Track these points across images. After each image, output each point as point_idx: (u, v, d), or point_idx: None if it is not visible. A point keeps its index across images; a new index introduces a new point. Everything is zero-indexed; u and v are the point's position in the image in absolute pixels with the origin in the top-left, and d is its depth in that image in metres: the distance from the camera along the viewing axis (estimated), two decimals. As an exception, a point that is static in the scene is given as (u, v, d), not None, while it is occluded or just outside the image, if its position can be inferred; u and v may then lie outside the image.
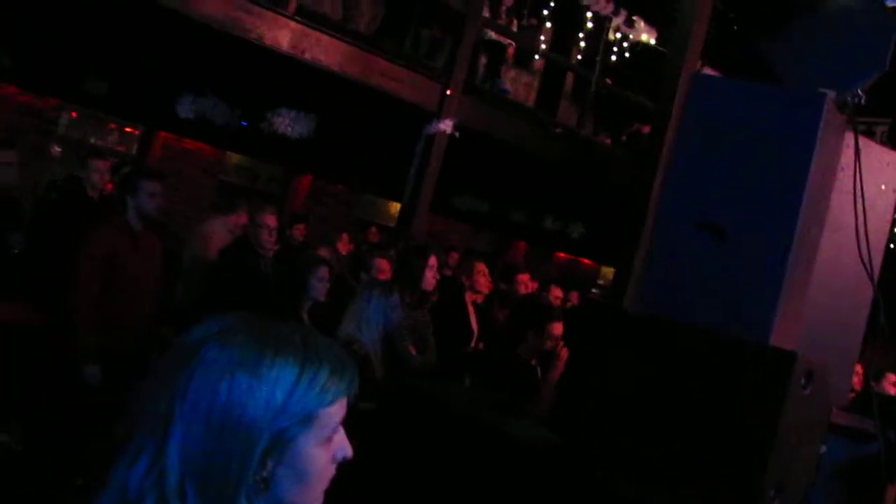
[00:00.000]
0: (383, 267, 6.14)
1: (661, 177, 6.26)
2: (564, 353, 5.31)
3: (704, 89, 3.08)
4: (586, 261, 15.65)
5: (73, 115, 11.04)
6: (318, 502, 1.28)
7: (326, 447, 1.26)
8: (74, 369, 4.90)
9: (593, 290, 14.22)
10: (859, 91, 2.77)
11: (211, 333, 1.23)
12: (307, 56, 7.41)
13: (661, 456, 2.82)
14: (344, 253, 8.27)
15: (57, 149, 10.74)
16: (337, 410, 1.26)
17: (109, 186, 7.48)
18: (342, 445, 1.29)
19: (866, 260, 2.89)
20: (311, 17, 7.60)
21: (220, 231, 6.97)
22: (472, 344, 6.80)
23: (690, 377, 2.69)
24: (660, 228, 3.17)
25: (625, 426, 2.96)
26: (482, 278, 7.32)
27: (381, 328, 4.87)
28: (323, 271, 5.17)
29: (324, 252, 6.72)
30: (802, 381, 2.47)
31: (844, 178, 2.93)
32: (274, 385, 1.19)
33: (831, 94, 2.68)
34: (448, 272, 7.66)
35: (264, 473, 1.20)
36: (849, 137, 2.92)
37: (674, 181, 3.07)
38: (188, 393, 1.19)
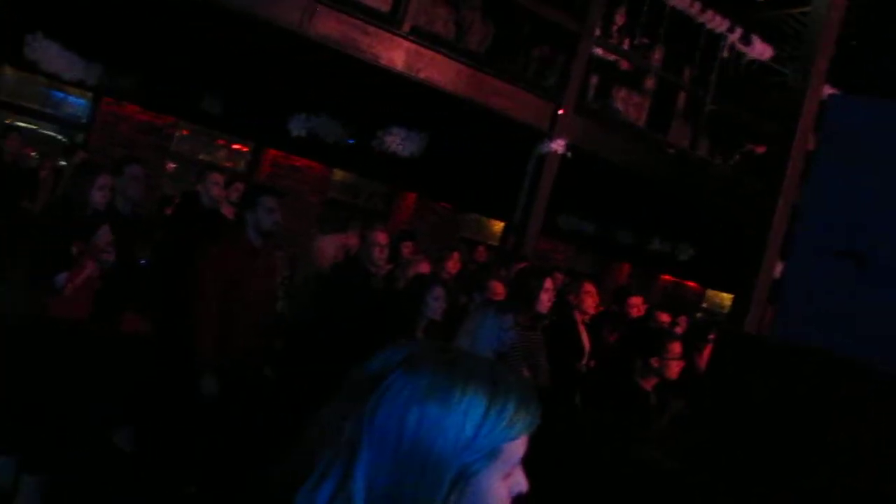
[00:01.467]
0: (498, 290, 6.10)
1: (786, 202, 6.06)
2: (675, 371, 5.18)
3: (843, 111, 2.93)
4: (691, 283, 15.30)
5: (185, 132, 11.37)
6: None
7: (506, 482, 1.21)
8: (192, 380, 4.97)
9: (698, 315, 13.85)
10: None
11: (396, 361, 1.20)
12: (421, 75, 7.43)
13: (793, 490, 2.68)
14: (452, 272, 8.23)
15: (171, 164, 11.07)
16: (520, 445, 1.21)
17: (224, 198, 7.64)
18: (519, 481, 1.24)
19: None
20: (424, 37, 7.62)
21: (330, 249, 7.03)
22: (584, 361, 6.70)
23: (837, 410, 2.54)
24: (795, 256, 3.01)
25: (757, 456, 2.82)
26: (590, 299, 7.19)
27: (494, 349, 4.80)
28: (438, 291, 5.13)
29: (425, 266, 6.69)
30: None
31: None
32: (464, 417, 1.16)
33: None
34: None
35: None
36: None
37: (812, 208, 2.92)
38: (376, 419, 1.16)
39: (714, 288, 15.17)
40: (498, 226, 12.96)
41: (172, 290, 5.81)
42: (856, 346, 2.64)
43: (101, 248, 4.72)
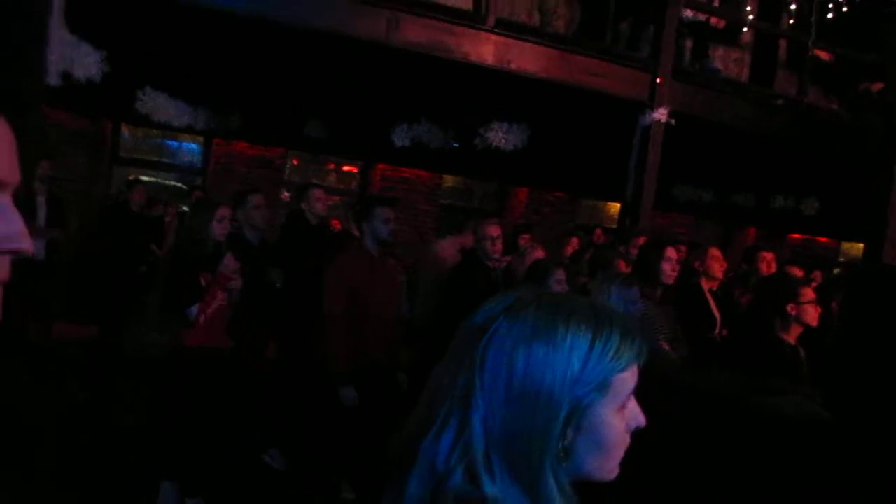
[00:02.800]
0: (622, 268, 6.04)
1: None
2: (814, 316, 4.99)
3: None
4: (823, 239, 14.69)
5: (295, 161, 11.72)
6: (615, 472, 1.27)
7: (621, 415, 1.25)
8: (332, 392, 5.11)
9: (835, 270, 13.24)
10: None
11: (500, 310, 1.24)
12: (513, 66, 7.42)
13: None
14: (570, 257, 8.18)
15: (286, 193, 11.43)
16: (629, 377, 1.24)
17: (335, 223, 7.83)
18: (635, 413, 1.27)
19: None
20: (510, 28, 7.62)
21: (449, 250, 7.12)
22: (717, 331, 6.55)
23: None
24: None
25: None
26: (716, 264, 7.02)
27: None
28: (560, 273, 5.14)
29: (542, 253, 6.67)
30: None
31: None
32: (570, 353, 1.19)
33: None
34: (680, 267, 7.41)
35: (564, 443, 1.19)
36: None
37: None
38: (486, 365, 1.20)
39: (848, 240, 14.51)
40: (614, 207, 12.79)
41: (299, 307, 6.01)
42: None
43: (228, 276, 4.92)
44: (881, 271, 3.86)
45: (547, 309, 1.22)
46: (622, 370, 1.22)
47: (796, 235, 14.67)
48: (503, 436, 1.18)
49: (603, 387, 1.20)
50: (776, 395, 4.02)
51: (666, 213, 13.07)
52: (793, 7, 8.96)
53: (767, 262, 7.31)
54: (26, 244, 1.01)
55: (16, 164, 0.99)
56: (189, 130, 9.36)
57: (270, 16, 6.75)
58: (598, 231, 10.38)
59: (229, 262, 4.94)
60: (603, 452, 1.23)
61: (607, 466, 1.25)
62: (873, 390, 2.92)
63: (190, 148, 11.90)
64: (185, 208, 9.16)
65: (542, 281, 5.01)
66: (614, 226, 11.47)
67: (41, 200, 7.76)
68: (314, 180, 11.80)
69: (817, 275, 8.99)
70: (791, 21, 9.15)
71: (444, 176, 12.55)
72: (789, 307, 5.02)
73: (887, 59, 5.94)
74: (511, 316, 1.22)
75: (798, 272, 7.74)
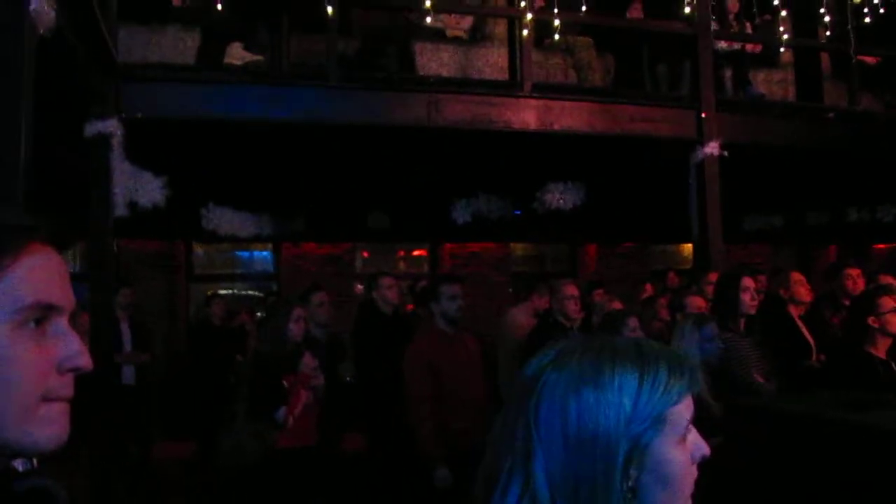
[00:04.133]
0: (698, 304, 5.98)
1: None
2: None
3: None
4: (914, 243, 14.24)
5: (365, 254, 11.92)
6: None
7: (682, 447, 1.25)
8: (426, 476, 5.11)
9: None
10: None
11: (547, 361, 1.28)
12: (556, 126, 7.51)
13: None
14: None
15: (359, 286, 11.61)
16: (685, 408, 1.25)
17: (410, 307, 7.92)
18: (698, 444, 1.27)
19: None
20: (548, 90, 7.74)
21: (522, 317, 7.15)
22: (814, 358, 6.38)
23: None
24: None
25: None
26: (801, 288, 6.88)
27: (700, 361, 4.67)
28: (633, 321, 5.11)
29: (618, 306, 6.65)
30: None
31: None
32: (619, 393, 1.21)
33: None
34: (760, 296, 7.27)
35: (629, 483, 1.20)
36: None
37: None
38: (539, 417, 1.23)
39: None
40: (687, 249, 12.66)
41: (382, 399, 6.06)
42: None
43: (309, 374, 5.02)
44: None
45: (591, 354, 1.25)
46: (675, 403, 1.23)
47: (881, 245, 14.27)
48: (567, 483, 1.19)
49: (658, 422, 1.21)
50: (872, 410, 3.91)
51: (741, 246, 12.88)
52: (827, 19, 8.87)
53: (853, 279, 7.10)
54: (84, 361, 1.09)
55: (69, 290, 1.10)
56: (256, 239, 9.66)
57: (318, 119, 7.00)
58: (671, 274, 10.27)
59: (309, 361, 5.05)
60: (670, 488, 1.23)
61: (677, 502, 1.25)
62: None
63: (261, 256, 12.26)
64: (262, 314, 9.40)
65: (616, 331, 4.98)
66: (689, 267, 11.34)
67: (125, 327, 8.04)
68: (385, 269, 11.98)
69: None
70: (828, 33, 9.06)
71: (513, 245, 12.62)
72: (870, 320, 4.90)
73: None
74: (558, 365, 1.25)
75: (890, 279, 7.48)
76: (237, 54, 7.70)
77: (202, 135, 7.31)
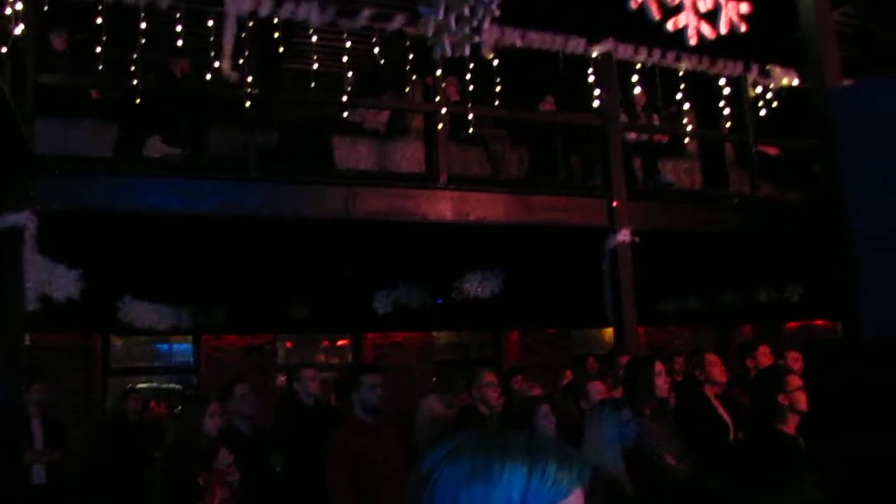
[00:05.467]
0: (599, 389, 6.07)
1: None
2: (805, 402, 5.00)
3: (847, 100, 2.98)
4: (819, 322, 14.75)
5: (288, 344, 11.84)
6: None
7: None
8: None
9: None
10: None
11: (442, 455, 1.29)
12: (472, 217, 7.68)
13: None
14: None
15: (281, 378, 11.48)
16: (574, 501, 1.27)
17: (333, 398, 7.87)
18: None
19: None
20: (464, 182, 7.94)
21: (438, 406, 7.15)
22: (732, 437, 6.50)
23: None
24: (858, 250, 2.98)
25: None
26: (716, 369, 7.04)
27: (619, 446, 4.75)
28: (545, 408, 5.17)
29: (538, 392, 6.72)
30: None
31: None
32: (508, 488, 1.23)
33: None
34: (678, 378, 7.43)
35: None
36: None
37: (854, 198, 2.92)
38: None
39: (835, 319, 14.58)
40: (609, 333, 12.88)
41: (304, 489, 5.98)
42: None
43: (224, 471, 4.94)
44: (831, 346, 3.94)
45: (483, 449, 1.28)
46: (564, 496, 1.25)
47: (791, 323, 14.74)
48: None
49: None
50: (784, 488, 4.01)
51: (660, 328, 13.17)
52: (727, 112, 9.37)
53: (766, 356, 7.34)
54: None
55: None
56: (175, 332, 9.54)
57: (237, 211, 7.04)
58: (591, 360, 10.41)
59: (224, 457, 4.98)
60: None
61: None
62: (857, 469, 2.94)
63: (181, 348, 12.06)
64: (181, 408, 9.23)
65: (529, 418, 5.04)
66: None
67: (37, 424, 7.76)
68: (307, 360, 11.89)
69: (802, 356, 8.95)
70: (728, 124, 9.55)
71: (436, 333, 12.67)
72: (780, 398, 5.05)
73: (826, 142, 6.18)
74: (452, 459, 1.27)
75: (796, 354, 7.74)
76: (156, 147, 7.75)
77: (120, 227, 7.27)
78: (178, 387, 11.66)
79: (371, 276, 9.14)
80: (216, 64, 7.49)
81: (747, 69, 9.36)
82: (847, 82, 6.55)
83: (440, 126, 7.86)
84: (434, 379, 10.58)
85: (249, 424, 6.21)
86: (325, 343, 12.79)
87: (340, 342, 12.75)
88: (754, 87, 9.53)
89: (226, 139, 7.87)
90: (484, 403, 6.27)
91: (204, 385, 10.65)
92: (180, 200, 6.93)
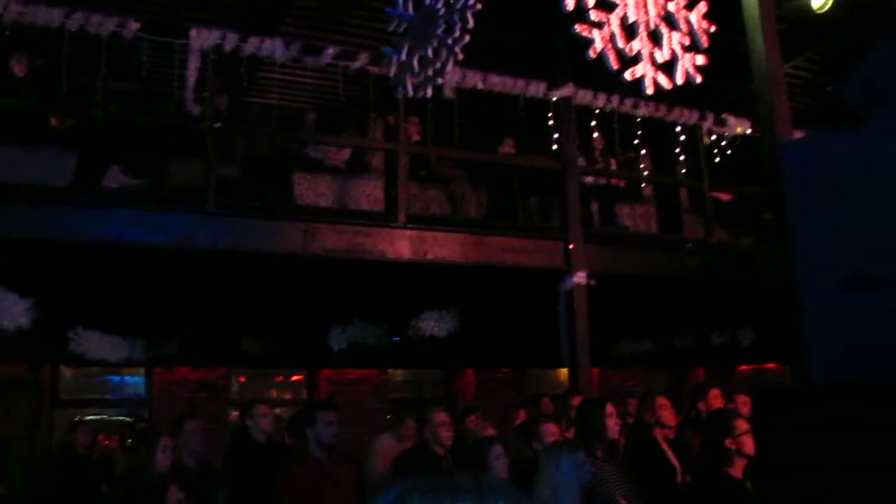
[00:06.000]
0: (552, 430, 6.10)
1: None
2: (751, 446, 5.07)
3: (796, 153, 3.08)
4: (770, 365, 14.95)
5: (242, 379, 11.73)
6: None
7: None
8: None
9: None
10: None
11: (391, 499, 1.30)
12: (430, 257, 7.74)
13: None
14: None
15: (234, 413, 11.35)
16: None
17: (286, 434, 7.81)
18: None
19: None
20: (422, 221, 8.00)
21: (390, 444, 7.14)
22: (679, 479, 6.56)
23: (887, 431, 2.54)
24: (807, 297, 3.06)
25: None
26: (666, 412, 7.12)
27: (576, 487, 4.78)
28: (498, 449, 5.19)
29: (492, 432, 6.73)
30: None
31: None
32: None
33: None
34: (631, 420, 7.50)
35: None
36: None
37: (805, 248, 3.01)
38: None
39: (785, 363, 14.81)
40: (563, 373, 12.93)
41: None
42: (885, 366, 2.66)
43: (174, 508, 4.89)
44: (778, 389, 4.03)
45: (432, 491, 1.29)
46: None
47: (743, 367, 14.92)
48: None
49: None
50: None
51: (615, 369, 13.26)
52: (682, 158, 9.58)
53: (717, 398, 7.43)
54: None
55: None
56: (127, 364, 9.41)
57: (196, 244, 7.02)
58: (545, 400, 10.43)
59: (175, 494, 4.92)
60: None
61: None
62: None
63: (133, 381, 11.87)
64: (131, 442, 9.07)
65: (482, 459, 5.06)
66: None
67: (-22, 457, 7.62)
68: (261, 394, 11.78)
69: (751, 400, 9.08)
70: (684, 171, 9.76)
71: (391, 371, 12.64)
72: (727, 442, 5.13)
73: (777, 190, 6.37)
74: (401, 502, 1.28)
75: (745, 398, 7.87)
76: (115, 177, 7.71)
77: (74, 257, 7.20)
78: (129, 420, 11.46)
79: (327, 312, 9.12)
80: (178, 96, 7.50)
81: (703, 117, 9.62)
82: (797, 133, 6.77)
83: (401, 165, 7.94)
84: (388, 417, 10.55)
85: (197, 460, 6.14)
86: (280, 378, 12.69)
87: (295, 378, 12.66)
88: (709, 134, 9.79)
89: (186, 171, 7.85)
90: (437, 442, 6.28)
91: (156, 418, 10.48)
92: (138, 232, 6.91)
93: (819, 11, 8.17)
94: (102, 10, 7.00)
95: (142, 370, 11.48)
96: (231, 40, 7.30)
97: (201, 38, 7.24)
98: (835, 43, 9.92)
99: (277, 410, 8.57)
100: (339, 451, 5.76)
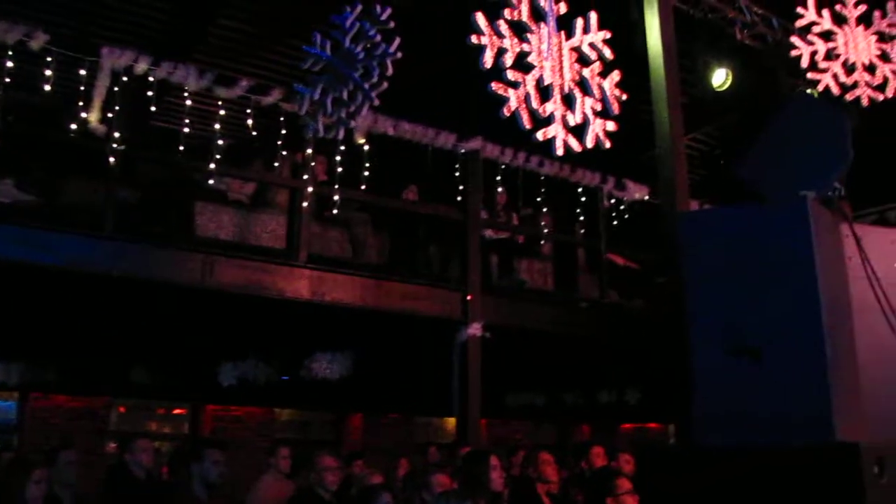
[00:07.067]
0: (442, 482, 6.10)
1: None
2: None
3: (693, 225, 3.20)
4: (653, 425, 15.33)
5: (122, 409, 11.33)
6: None
7: None
8: None
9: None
10: (836, 185, 2.92)
11: None
12: (328, 298, 7.70)
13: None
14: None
15: (112, 444, 10.94)
16: None
17: (165, 469, 7.57)
18: None
19: (902, 335, 2.92)
20: (322, 262, 7.96)
21: (272, 482, 7.02)
22: (558, 533, 6.64)
23: (766, 498, 2.64)
24: (696, 364, 3.17)
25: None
26: (549, 468, 7.21)
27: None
28: (386, 497, 5.15)
29: (378, 479, 6.68)
30: (876, 469, 2.43)
31: (855, 266, 3.01)
32: None
33: (811, 195, 2.79)
34: (516, 471, 7.56)
35: None
36: (845, 228, 3.02)
37: (696, 316, 3.12)
38: None
39: (671, 423, 15.22)
40: (451, 422, 12.97)
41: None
42: (771, 432, 2.76)
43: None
44: (663, 450, 4.14)
45: None
46: None
47: (628, 425, 15.25)
48: None
49: None
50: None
51: (503, 421, 13.37)
52: (582, 218, 9.84)
53: (600, 457, 7.57)
54: None
55: None
56: (1, 388, 8.99)
57: (88, 268, 6.80)
58: (433, 449, 10.44)
59: (44, 530, 4.71)
60: None
61: None
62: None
63: (4, 405, 11.31)
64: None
65: (369, 507, 5.02)
66: (450, 441, 11.60)
67: None
68: (142, 426, 11.40)
69: (637, 460, 9.29)
70: (583, 231, 10.02)
71: (278, 410, 12.43)
72: (609, 501, 5.24)
73: (669, 255, 6.64)
74: None
75: (628, 456, 8.05)
76: (7, 192, 7.42)
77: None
78: (-4, 446, 10.92)
79: (219, 346, 8.95)
80: (83, 114, 7.31)
81: (604, 180, 9.93)
82: (693, 203, 7.06)
83: (304, 203, 7.90)
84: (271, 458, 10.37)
85: (71, 494, 5.88)
86: (162, 411, 12.30)
87: (177, 411, 12.30)
88: (609, 197, 10.09)
89: (84, 192, 7.62)
90: (322, 487, 6.19)
91: (26, 447, 10.00)
92: (25, 250, 6.63)
93: (719, 89, 8.59)
94: (10, 17, 6.79)
95: (15, 395, 10.96)
96: (143, 62, 7.17)
97: (112, 57, 7.10)
98: (731, 119, 10.44)
99: (156, 444, 8.31)
100: (219, 492, 5.63)
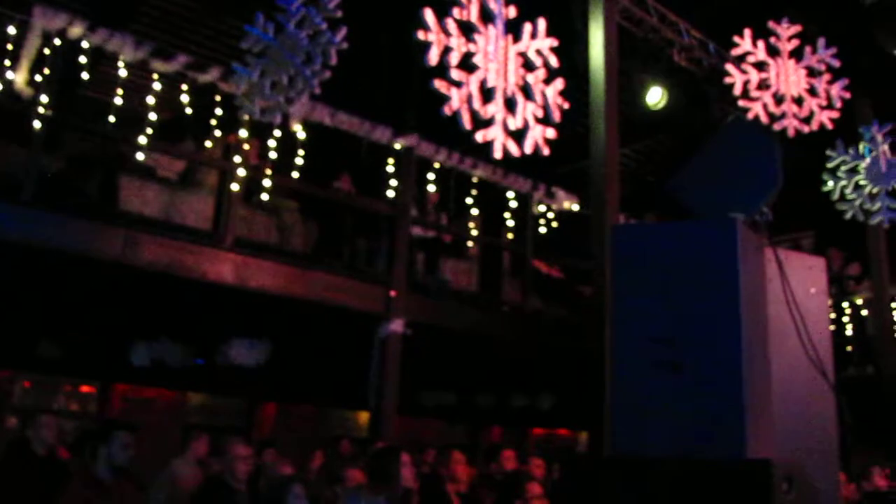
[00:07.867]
0: (356, 476, 6.10)
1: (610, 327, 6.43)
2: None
3: (625, 238, 3.26)
4: (563, 431, 15.54)
5: (27, 384, 10.99)
6: None
7: None
8: None
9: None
10: (764, 209, 3.01)
11: None
12: (251, 284, 7.60)
13: None
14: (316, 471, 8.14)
15: (13, 419, 10.60)
16: None
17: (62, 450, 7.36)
18: None
19: (816, 361, 3.02)
20: (248, 247, 7.85)
21: (184, 468, 6.90)
22: (465, 533, 6.68)
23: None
24: (616, 373, 3.22)
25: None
26: (460, 467, 7.25)
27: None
28: (298, 488, 5.12)
29: (289, 469, 6.63)
30: (784, 486, 2.51)
31: (775, 289, 3.10)
32: None
33: (740, 217, 2.87)
34: (426, 469, 7.59)
35: None
36: (769, 252, 3.11)
37: (620, 326, 3.17)
38: None
39: (582, 430, 15.45)
40: (364, 416, 12.94)
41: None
42: (685, 445, 2.82)
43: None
44: (585, 459, 4.21)
45: None
46: None
47: (538, 430, 15.43)
48: None
49: None
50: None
51: (417, 419, 13.38)
52: (510, 223, 9.93)
53: (510, 460, 7.64)
54: None
55: None
56: None
57: (3, 236, 6.57)
58: (346, 442, 10.39)
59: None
60: None
61: None
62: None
63: None
64: None
65: (281, 498, 4.97)
66: (363, 435, 11.57)
67: None
68: (47, 403, 11.07)
69: (558, 466, 9.43)
70: (510, 235, 10.10)
71: (189, 394, 12.22)
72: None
73: (597, 266, 6.76)
74: None
75: (539, 461, 8.16)
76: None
77: None
78: None
79: (134, 325, 8.74)
80: (9, 74, 7.07)
81: (535, 187, 10.03)
82: (622, 216, 7.19)
83: (234, 186, 7.79)
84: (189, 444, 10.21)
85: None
86: (68, 388, 11.97)
87: (85, 389, 11.99)
88: (538, 205, 10.19)
89: (3, 155, 7.37)
90: (232, 476, 6.10)
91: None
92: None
93: (653, 108, 8.78)
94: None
95: None
96: (78, 27, 6.97)
97: (45, 19, 6.88)
98: (663, 138, 10.67)
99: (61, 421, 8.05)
100: (124, 476, 5.52)
